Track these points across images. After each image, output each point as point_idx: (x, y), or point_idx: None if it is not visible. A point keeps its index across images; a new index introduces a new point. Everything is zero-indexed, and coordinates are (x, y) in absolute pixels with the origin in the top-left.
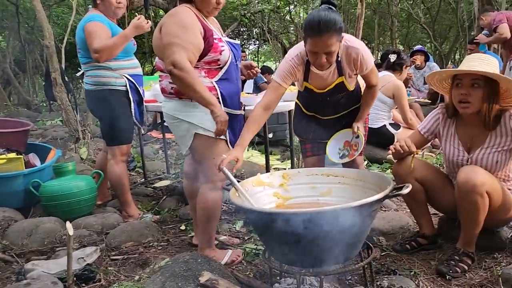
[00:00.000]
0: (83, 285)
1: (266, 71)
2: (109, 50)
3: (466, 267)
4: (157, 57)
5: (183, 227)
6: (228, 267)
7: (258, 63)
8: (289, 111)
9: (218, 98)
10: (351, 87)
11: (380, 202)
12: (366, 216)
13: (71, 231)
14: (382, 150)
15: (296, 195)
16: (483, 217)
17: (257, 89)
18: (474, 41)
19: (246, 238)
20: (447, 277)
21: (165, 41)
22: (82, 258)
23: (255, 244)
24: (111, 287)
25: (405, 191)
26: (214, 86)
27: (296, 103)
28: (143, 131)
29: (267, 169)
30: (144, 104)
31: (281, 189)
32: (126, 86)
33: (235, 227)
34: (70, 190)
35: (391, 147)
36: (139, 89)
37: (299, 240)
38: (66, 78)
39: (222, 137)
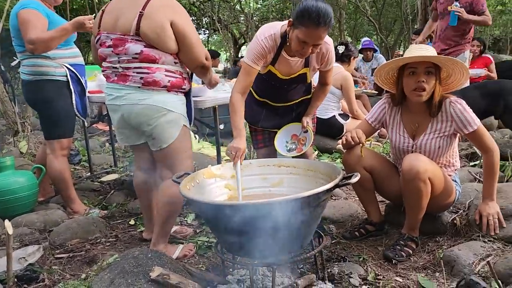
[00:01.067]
0: (25, 286)
1: (212, 55)
2: (46, 43)
3: (410, 251)
4: (141, 46)
5: (132, 222)
6: (180, 261)
7: None
8: None
9: (190, 88)
10: (309, 79)
11: (330, 191)
12: (317, 205)
13: (10, 230)
14: (332, 140)
15: (248, 186)
16: (426, 202)
17: None
18: (449, 9)
19: (198, 231)
20: (393, 262)
21: (195, 38)
22: (24, 257)
23: (207, 237)
24: (56, 286)
25: (354, 180)
26: (187, 77)
27: None
28: (87, 124)
29: (219, 161)
30: (87, 95)
31: (232, 181)
32: (66, 76)
33: (186, 220)
34: (8, 187)
35: (343, 138)
36: (81, 79)
37: (250, 231)
38: (2, 67)
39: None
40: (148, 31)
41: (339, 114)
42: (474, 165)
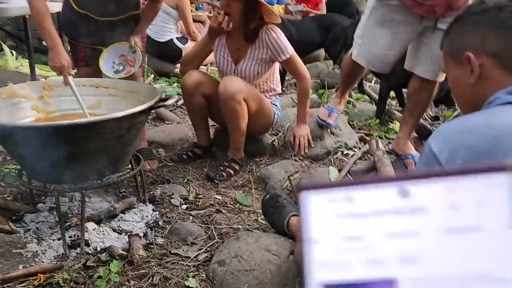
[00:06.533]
0: None
1: None
2: None
3: (232, 172)
4: None
5: None
6: None
7: None
8: (58, 13)
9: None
10: None
11: (146, 113)
12: (131, 127)
13: None
14: (169, 64)
15: (60, 108)
16: (244, 123)
17: None
18: None
19: (8, 158)
20: (215, 181)
21: None
22: None
23: (14, 164)
24: None
25: (170, 102)
26: None
27: None
28: None
29: (33, 79)
30: None
31: (41, 102)
32: None
33: None
34: None
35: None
36: None
37: (55, 156)
38: None
39: None
40: None
41: (177, 38)
42: None
